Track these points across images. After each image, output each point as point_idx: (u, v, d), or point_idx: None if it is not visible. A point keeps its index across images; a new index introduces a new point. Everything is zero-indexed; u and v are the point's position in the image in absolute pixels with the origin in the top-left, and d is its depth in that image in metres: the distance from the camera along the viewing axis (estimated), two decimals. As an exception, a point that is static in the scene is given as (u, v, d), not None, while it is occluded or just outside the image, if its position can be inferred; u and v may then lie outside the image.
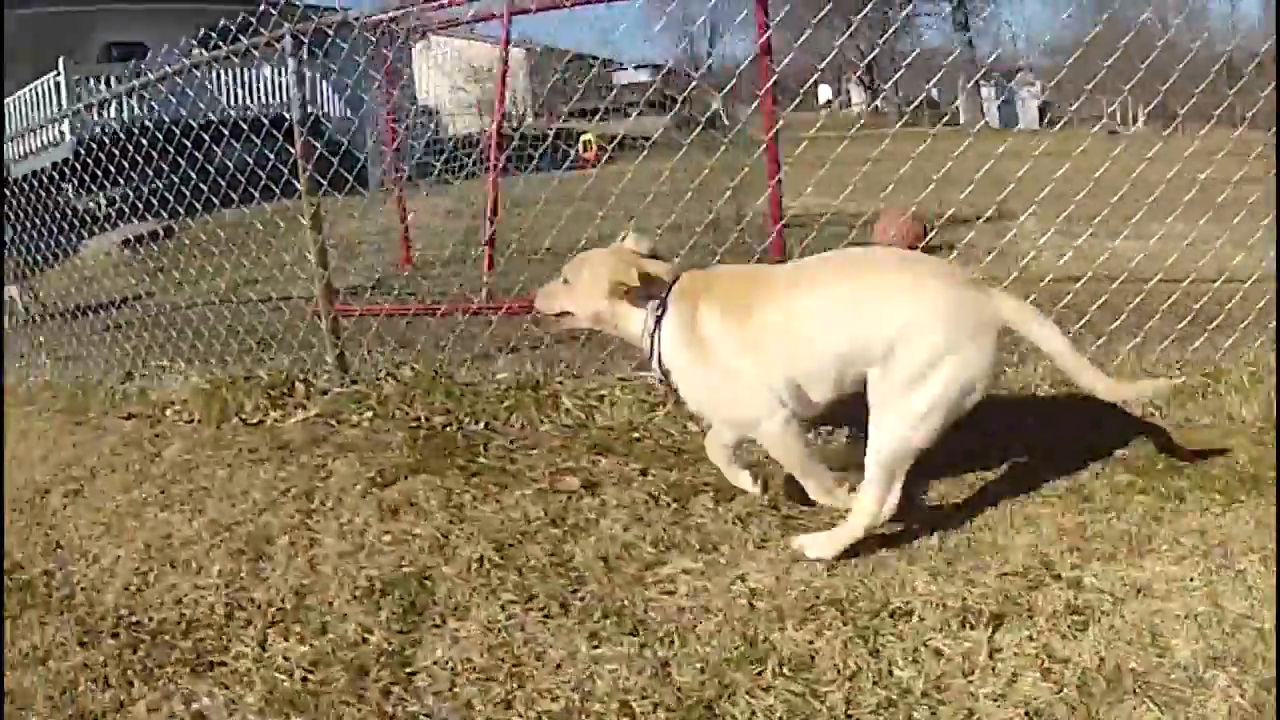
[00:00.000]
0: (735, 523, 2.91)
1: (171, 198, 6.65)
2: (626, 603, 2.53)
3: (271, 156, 5.65)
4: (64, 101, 17.13)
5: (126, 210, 7.84)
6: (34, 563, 3.58)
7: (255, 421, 4.75)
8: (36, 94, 17.72)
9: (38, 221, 7.99)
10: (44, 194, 7.80)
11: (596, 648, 2.34)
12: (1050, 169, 4.57)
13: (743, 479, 2.91)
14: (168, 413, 5.22)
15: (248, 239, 7.77)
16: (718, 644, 2.29)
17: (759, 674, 2.15)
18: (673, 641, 2.32)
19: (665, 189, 5.50)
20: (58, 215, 7.97)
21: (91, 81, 17.70)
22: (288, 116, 5.09)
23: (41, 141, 16.95)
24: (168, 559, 3.31)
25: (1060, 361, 2.50)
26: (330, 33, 5.28)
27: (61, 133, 16.99)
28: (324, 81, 19.14)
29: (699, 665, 2.21)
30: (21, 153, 16.95)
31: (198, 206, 6.45)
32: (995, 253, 4.68)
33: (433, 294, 7.00)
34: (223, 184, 6.07)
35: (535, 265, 6.07)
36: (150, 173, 6.56)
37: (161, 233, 13.37)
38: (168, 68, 5.89)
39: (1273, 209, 4.46)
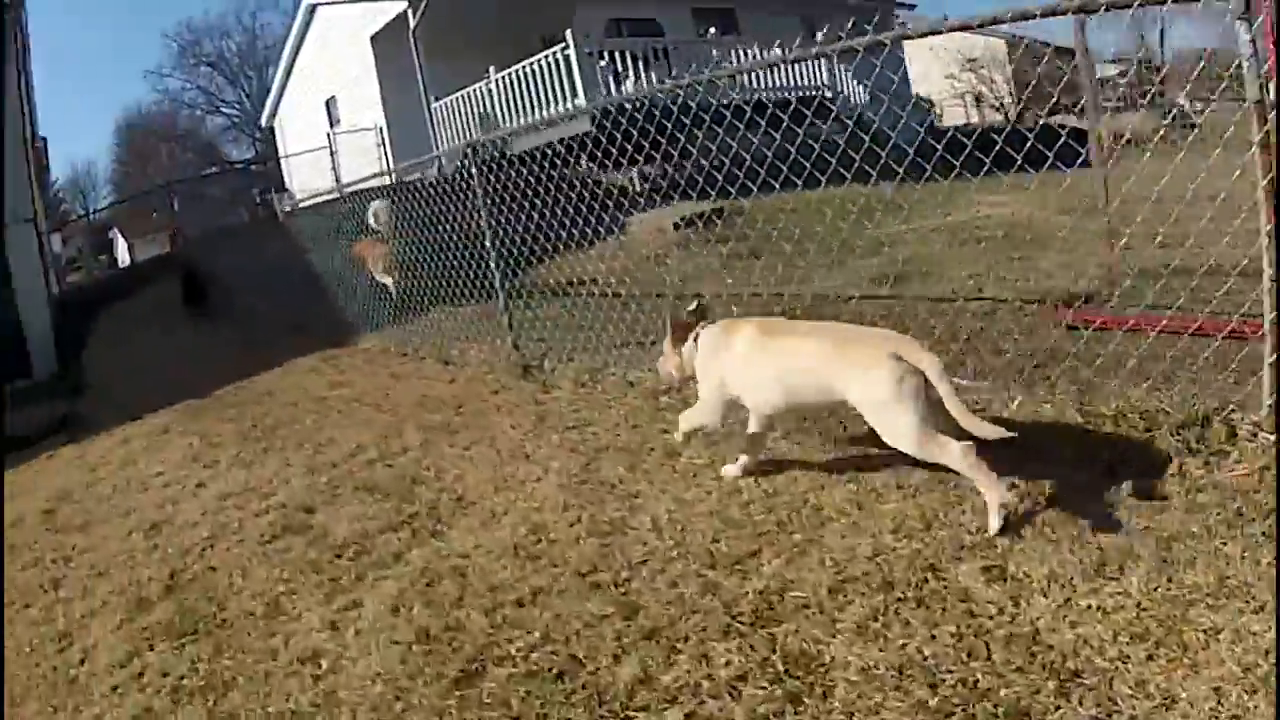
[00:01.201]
0: None
1: (719, 178, 6.84)
2: None
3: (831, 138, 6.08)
4: (575, 75, 17.74)
5: (659, 186, 8.25)
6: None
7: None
8: (542, 67, 18.34)
9: (558, 198, 8.34)
10: (561, 168, 8.12)
11: None
12: None
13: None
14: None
15: (817, 225, 7.69)
16: None
17: None
18: None
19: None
20: (575, 191, 8.12)
21: (605, 57, 18.40)
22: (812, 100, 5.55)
23: (554, 115, 17.37)
24: None
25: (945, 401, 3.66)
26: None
27: (578, 106, 17.22)
28: (843, 67, 20.66)
29: None
30: (529, 124, 17.27)
31: (751, 188, 6.50)
32: None
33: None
34: (772, 165, 6.21)
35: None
36: (692, 150, 6.92)
37: (714, 215, 13.36)
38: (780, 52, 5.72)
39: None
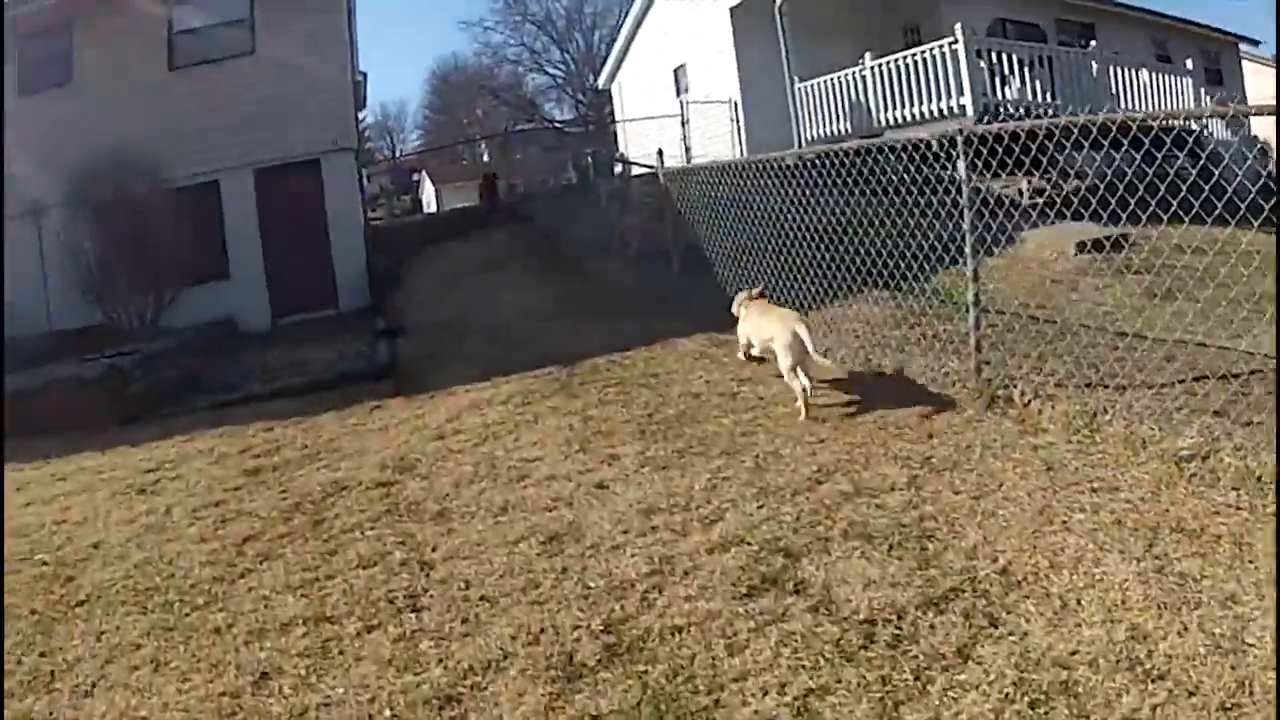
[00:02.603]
0: None
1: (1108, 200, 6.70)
2: None
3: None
4: (963, 72, 16.93)
5: (1051, 201, 8.08)
6: None
7: None
8: (925, 59, 17.73)
9: (942, 200, 8.08)
10: (936, 168, 8.08)
11: None
12: None
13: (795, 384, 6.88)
14: None
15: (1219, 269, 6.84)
16: None
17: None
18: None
19: None
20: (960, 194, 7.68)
21: (992, 55, 17.64)
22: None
23: (932, 111, 17.24)
24: None
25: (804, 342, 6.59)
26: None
27: (962, 105, 16.76)
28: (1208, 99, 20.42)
29: None
30: (895, 119, 17.78)
31: (1162, 216, 6.14)
32: None
33: None
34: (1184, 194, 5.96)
35: None
36: (1088, 171, 6.83)
37: (1115, 242, 12.44)
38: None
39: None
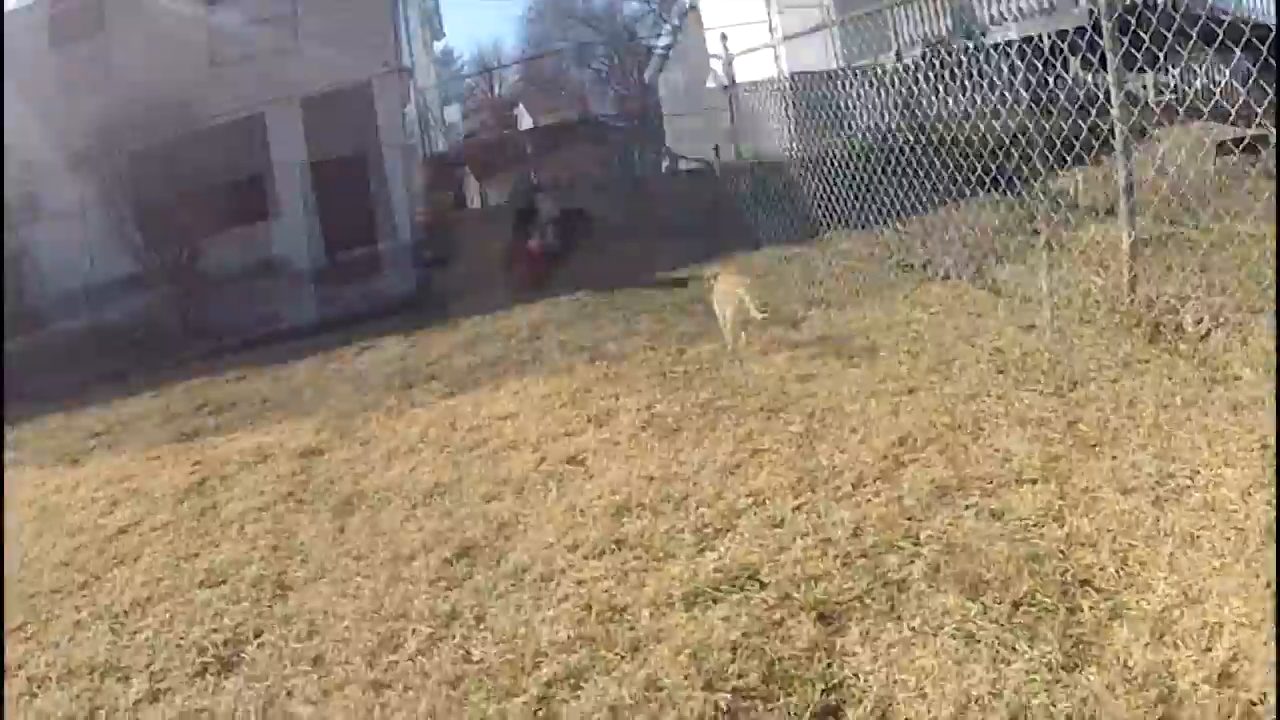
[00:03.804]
0: None
1: None
2: None
3: None
4: None
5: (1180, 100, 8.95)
6: None
7: None
8: None
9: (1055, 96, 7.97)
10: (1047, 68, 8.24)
11: None
12: None
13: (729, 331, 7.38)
14: None
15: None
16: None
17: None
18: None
19: None
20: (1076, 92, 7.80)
21: None
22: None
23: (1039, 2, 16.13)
24: None
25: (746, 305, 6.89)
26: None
27: None
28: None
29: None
30: (999, 14, 16.58)
31: None
32: None
33: None
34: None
35: None
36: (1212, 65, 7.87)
37: (1251, 145, 10.59)
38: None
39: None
